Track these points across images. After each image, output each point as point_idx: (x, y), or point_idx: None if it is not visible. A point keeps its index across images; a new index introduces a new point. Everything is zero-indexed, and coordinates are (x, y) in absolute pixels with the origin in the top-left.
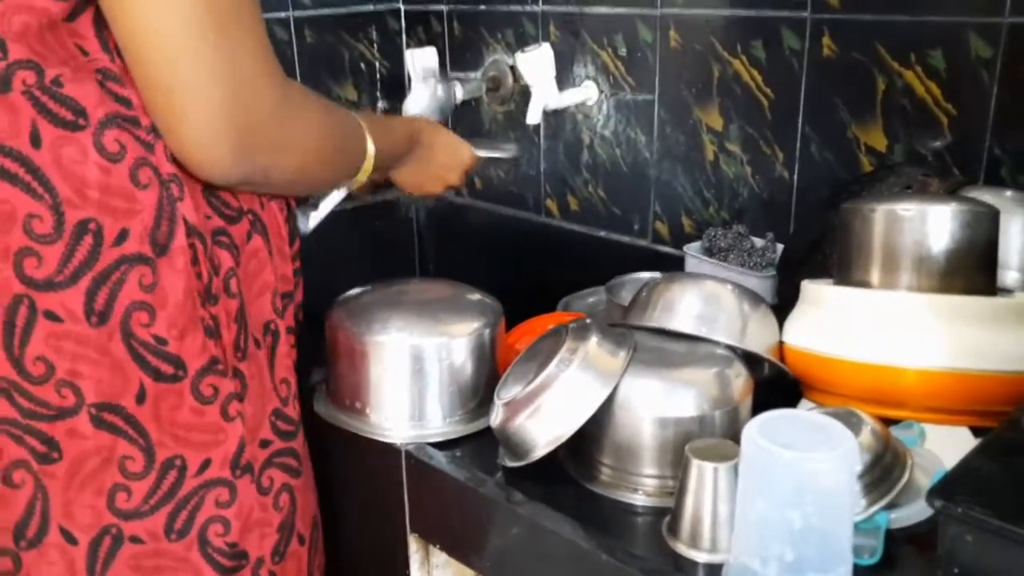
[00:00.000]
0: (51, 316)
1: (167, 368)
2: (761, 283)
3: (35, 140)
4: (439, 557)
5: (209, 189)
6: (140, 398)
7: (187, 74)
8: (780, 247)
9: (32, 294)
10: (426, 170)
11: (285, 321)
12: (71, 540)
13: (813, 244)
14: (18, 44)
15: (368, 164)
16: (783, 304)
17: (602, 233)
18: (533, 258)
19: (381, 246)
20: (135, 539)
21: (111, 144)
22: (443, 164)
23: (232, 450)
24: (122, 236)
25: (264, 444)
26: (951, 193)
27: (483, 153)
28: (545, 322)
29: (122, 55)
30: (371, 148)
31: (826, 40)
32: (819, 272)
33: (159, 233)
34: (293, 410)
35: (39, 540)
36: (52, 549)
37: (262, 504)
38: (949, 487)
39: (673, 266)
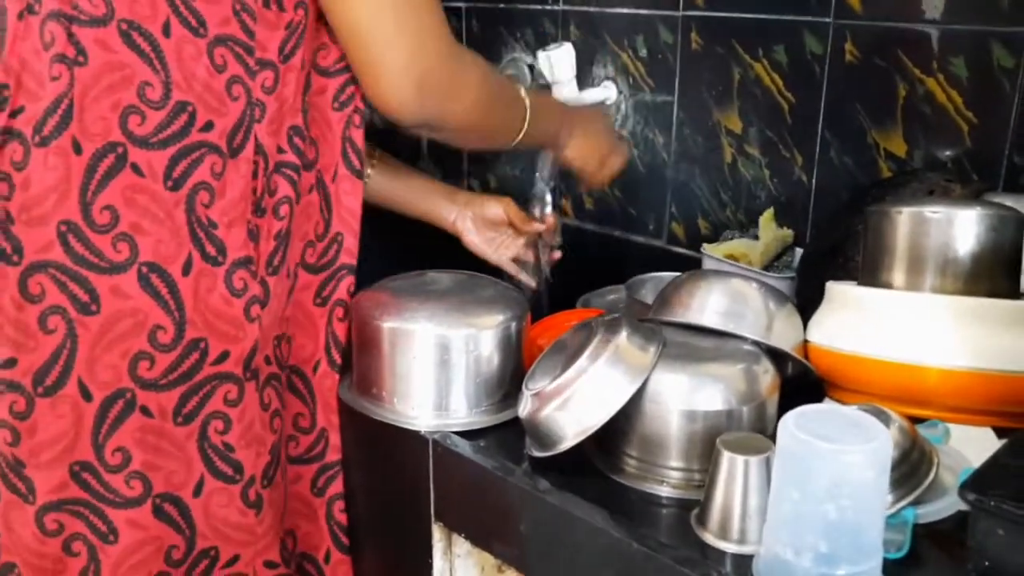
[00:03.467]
0: (136, 169)
1: (211, 249)
2: (778, 285)
3: (166, 31)
4: (462, 547)
5: (294, 131)
6: (186, 269)
7: (382, 28)
8: (798, 250)
9: (127, 145)
10: (591, 144)
11: (334, 294)
12: (87, 396)
13: (834, 247)
14: None
15: (527, 122)
16: (803, 306)
17: (617, 233)
18: None
19: (395, 245)
20: (145, 410)
21: (218, 57)
22: (603, 141)
23: (247, 349)
24: (208, 126)
25: (267, 360)
26: (975, 197)
27: None
28: (567, 318)
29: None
30: (528, 102)
31: (848, 46)
32: (840, 275)
33: (235, 138)
34: (284, 350)
35: (55, 390)
36: (65, 401)
37: (262, 420)
38: (981, 481)
39: (689, 267)
